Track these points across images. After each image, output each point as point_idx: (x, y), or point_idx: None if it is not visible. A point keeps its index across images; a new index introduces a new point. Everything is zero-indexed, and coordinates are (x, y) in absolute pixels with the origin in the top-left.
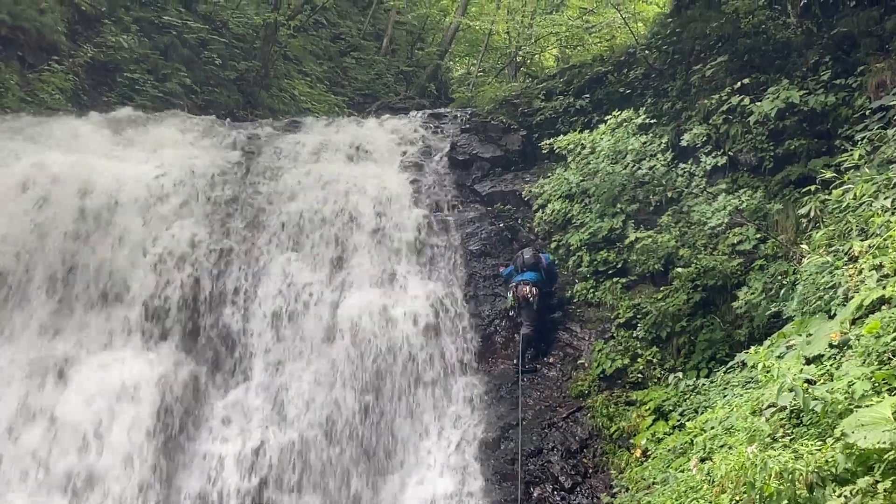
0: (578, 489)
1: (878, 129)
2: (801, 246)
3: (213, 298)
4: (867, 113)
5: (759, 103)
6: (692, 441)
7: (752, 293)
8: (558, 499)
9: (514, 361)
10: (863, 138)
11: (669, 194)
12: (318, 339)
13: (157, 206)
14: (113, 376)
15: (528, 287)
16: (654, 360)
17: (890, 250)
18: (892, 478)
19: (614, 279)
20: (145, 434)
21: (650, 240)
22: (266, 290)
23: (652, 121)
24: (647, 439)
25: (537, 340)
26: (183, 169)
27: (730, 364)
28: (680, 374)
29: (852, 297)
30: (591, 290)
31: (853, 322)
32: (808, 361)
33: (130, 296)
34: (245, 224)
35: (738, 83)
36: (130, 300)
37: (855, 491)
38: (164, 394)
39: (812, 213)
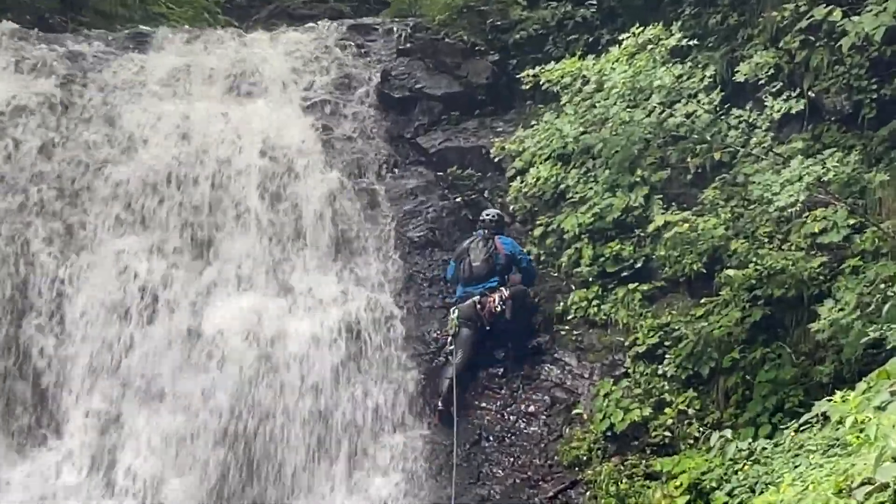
0: None
1: None
2: None
3: (7, 306)
4: None
5: (855, 18)
6: None
7: (842, 309)
8: None
9: (482, 406)
10: None
11: (717, 156)
12: (170, 372)
13: None
14: None
15: (494, 295)
16: (691, 411)
17: None
18: None
19: (630, 285)
20: None
21: (686, 226)
22: (91, 294)
23: (692, 42)
24: None
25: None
26: None
27: (804, 417)
28: (728, 433)
29: None
30: (596, 302)
31: None
32: None
33: None
34: (60, 191)
35: None
36: None
37: None
38: None
39: None
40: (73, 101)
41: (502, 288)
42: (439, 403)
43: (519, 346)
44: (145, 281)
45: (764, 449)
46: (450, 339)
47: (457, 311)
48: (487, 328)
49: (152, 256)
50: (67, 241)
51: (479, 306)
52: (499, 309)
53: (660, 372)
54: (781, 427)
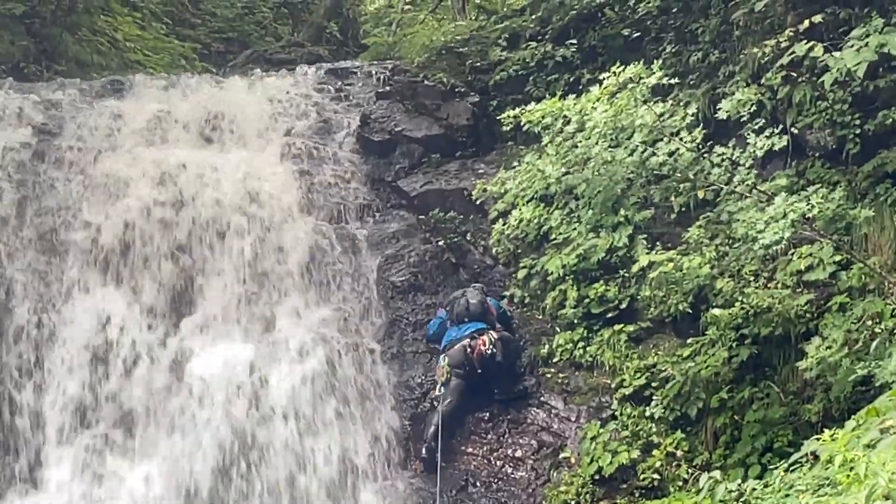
0: None
1: None
2: None
3: None
4: None
5: (837, 54)
6: None
7: (829, 347)
8: None
9: (468, 451)
10: None
11: (701, 194)
12: (150, 422)
13: None
14: None
15: (483, 338)
16: (679, 453)
17: None
18: None
19: (616, 326)
20: None
21: (671, 265)
22: (68, 345)
23: (673, 80)
24: None
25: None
26: None
27: (794, 457)
28: (718, 474)
29: None
30: (581, 344)
31: None
32: None
33: None
34: (36, 240)
35: (806, 22)
36: None
37: None
38: None
39: None
40: (47, 148)
41: (491, 331)
42: (423, 450)
43: (505, 389)
44: (124, 332)
45: (754, 490)
46: (439, 385)
47: (446, 357)
48: (479, 371)
49: (131, 306)
50: (43, 290)
51: (468, 349)
52: (490, 352)
53: (647, 414)
54: (771, 467)
